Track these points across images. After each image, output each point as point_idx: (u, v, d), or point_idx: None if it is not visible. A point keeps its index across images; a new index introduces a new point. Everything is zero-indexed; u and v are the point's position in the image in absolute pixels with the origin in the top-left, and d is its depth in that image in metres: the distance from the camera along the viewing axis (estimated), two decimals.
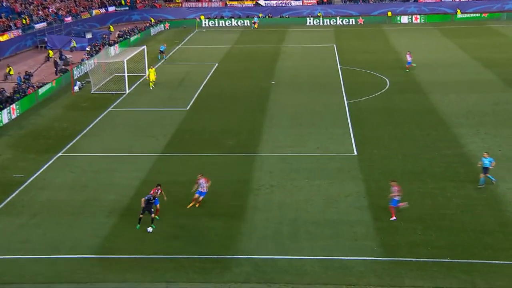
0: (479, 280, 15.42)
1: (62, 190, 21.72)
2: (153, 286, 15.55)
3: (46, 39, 52.27)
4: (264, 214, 19.31)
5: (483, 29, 58.07)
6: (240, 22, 67.00)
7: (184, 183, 21.28)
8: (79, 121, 30.26)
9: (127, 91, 36.12)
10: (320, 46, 51.48)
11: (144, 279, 15.81)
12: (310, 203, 20.02)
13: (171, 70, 42.46)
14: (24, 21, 51.87)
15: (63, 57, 45.40)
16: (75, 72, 39.67)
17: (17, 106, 31.69)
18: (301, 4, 70.25)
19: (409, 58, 39.86)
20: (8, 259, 17.00)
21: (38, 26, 52.91)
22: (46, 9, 57.91)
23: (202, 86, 37.38)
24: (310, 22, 66.03)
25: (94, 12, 63.83)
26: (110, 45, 49.02)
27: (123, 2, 69.14)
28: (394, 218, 18.59)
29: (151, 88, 36.84)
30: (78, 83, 37.60)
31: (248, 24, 66.07)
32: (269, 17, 68.53)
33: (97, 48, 47.16)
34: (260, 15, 67.98)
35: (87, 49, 47.91)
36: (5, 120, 30.25)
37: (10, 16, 52.20)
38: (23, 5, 55.98)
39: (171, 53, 49.46)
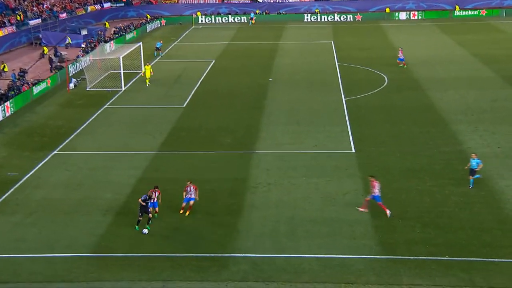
0: (478, 278, 15.36)
1: (57, 188, 21.55)
2: (150, 285, 15.43)
3: (40, 35, 51.86)
4: (261, 212, 19.19)
5: (482, 25, 57.95)
6: (237, 18, 66.71)
7: (180, 181, 21.07)
8: (74, 119, 30.04)
9: (123, 88, 35.89)
10: (317, 42, 51.30)
11: (140, 278, 15.68)
12: (307, 201, 19.91)
13: (167, 67, 42.22)
14: (18, 18, 51.45)
15: (58, 54, 45.09)
16: (70, 69, 39.40)
17: (12, 104, 31.41)
18: (298, 0, 70.00)
19: (400, 55, 39.66)
20: (3, 258, 16.84)
21: (32, 22, 52.49)
22: (41, 5, 57.47)
23: (198, 83, 37.18)
24: (307, 19, 65.82)
25: (89, 8, 63.42)
26: (105, 41, 48.71)
27: None
28: (388, 211, 18.51)
29: (147, 85, 36.63)
30: (74, 80, 37.32)
31: (245, 21, 65.80)
32: (266, 13, 68.27)
33: (92, 45, 46.83)
34: (257, 12, 67.71)
35: (83, 45, 47.54)
36: None
37: (4, 12, 51.78)
38: (17, 1, 55.54)
39: (167, 50, 49.19)
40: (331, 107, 30.97)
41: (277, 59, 44.27)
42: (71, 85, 36.64)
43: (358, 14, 65.55)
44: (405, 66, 39.38)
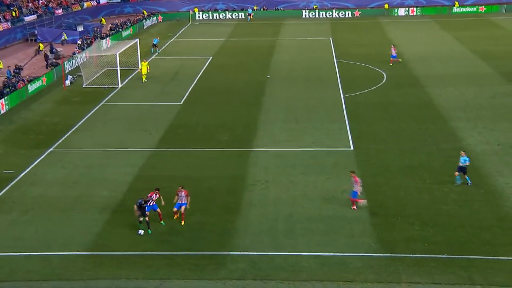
0: (477, 276, 15.28)
1: (53, 186, 21.38)
2: (147, 283, 15.31)
3: (36, 32, 51.48)
4: (259, 210, 19.06)
5: (481, 22, 57.82)
6: (235, 14, 66.42)
7: (178, 178, 20.93)
8: (70, 116, 29.82)
9: (120, 85, 35.66)
10: (316, 39, 51.09)
11: (137, 276, 15.56)
12: (306, 198, 19.78)
13: (164, 64, 41.98)
14: (13, 14, 51.06)
15: (54, 50, 44.78)
16: (66, 66, 39.12)
17: (7, 101, 31.14)
18: None
19: (393, 52, 39.39)
20: None
21: (28, 18, 52.09)
22: (36, 1, 57.04)
23: (196, 80, 36.96)
24: (305, 15, 65.56)
25: (86, 4, 63.02)
26: (102, 38, 48.38)
27: None
28: (354, 207, 18.57)
29: (143, 81, 36.40)
30: (70, 77, 37.05)
31: (243, 17, 65.52)
32: (263, 9, 67.99)
33: (88, 41, 46.50)
34: (255, 8, 67.42)
35: (79, 42, 47.23)
36: None
37: None
38: None
39: (164, 47, 48.92)
40: (330, 104, 30.82)
41: (275, 56, 44.06)
42: (67, 82, 36.37)
43: (357, 10, 65.31)
44: (400, 60, 39.15)
